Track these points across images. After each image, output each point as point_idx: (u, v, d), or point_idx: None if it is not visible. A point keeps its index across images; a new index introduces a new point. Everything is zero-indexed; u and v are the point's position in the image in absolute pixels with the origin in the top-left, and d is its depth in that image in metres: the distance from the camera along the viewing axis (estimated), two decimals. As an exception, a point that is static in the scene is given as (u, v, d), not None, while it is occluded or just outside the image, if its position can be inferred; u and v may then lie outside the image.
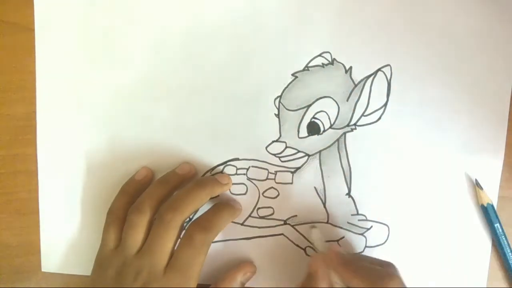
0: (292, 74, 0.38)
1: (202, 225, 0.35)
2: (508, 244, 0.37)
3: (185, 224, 0.37)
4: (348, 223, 0.39)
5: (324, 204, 0.39)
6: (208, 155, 0.39)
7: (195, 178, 0.39)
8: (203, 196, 0.36)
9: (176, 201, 0.35)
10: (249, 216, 0.39)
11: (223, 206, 0.37)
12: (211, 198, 0.38)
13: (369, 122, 0.38)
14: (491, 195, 0.38)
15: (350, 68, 0.38)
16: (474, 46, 0.37)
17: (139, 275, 0.33)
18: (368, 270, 0.33)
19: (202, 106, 0.39)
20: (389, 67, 0.37)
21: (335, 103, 0.38)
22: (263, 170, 0.39)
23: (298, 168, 0.39)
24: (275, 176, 0.39)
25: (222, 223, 0.36)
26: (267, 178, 0.39)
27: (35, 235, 0.40)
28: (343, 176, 0.38)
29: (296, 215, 0.39)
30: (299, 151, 0.38)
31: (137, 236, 0.35)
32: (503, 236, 0.37)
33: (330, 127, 0.38)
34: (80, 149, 0.40)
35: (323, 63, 0.38)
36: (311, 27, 0.38)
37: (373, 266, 0.34)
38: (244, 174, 0.39)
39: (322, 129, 0.38)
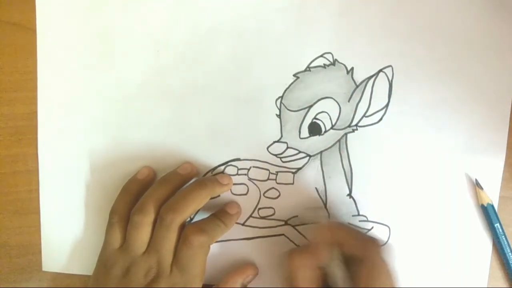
0: (294, 75, 0.38)
1: (199, 228, 0.35)
2: (508, 244, 0.38)
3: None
4: (349, 223, 0.39)
5: (325, 204, 0.39)
6: (209, 155, 0.39)
7: (197, 178, 0.39)
8: (203, 197, 0.36)
9: (177, 202, 0.35)
10: (250, 216, 0.39)
11: (220, 213, 0.38)
12: (212, 198, 0.38)
13: (370, 123, 0.38)
14: (492, 195, 0.38)
15: (352, 68, 0.38)
16: (476, 47, 0.37)
17: (148, 274, 0.34)
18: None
19: (204, 106, 0.39)
20: (390, 68, 0.37)
21: (336, 103, 0.38)
22: (264, 170, 0.39)
23: (299, 169, 0.39)
24: (276, 177, 0.39)
25: (218, 229, 0.36)
26: (268, 179, 0.39)
27: (35, 235, 0.40)
28: (344, 177, 0.38)
29: (297, 216, 0.39)
30: (300, 152, 0.38)
31: (141, 236, 0.35)
32: (503, 236, 0.38)
33: (332, 128, 0.38)
34: (81, 149, 0.40)
35: (324, 64, 0.38)
36: (312, 28, 0.38)
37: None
38: (245, 174, 0.39)
39: (323, 129, 0.38)
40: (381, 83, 0.37)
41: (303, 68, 0.38)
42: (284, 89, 0.38)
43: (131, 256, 0.35)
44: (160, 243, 0.35)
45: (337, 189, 0.38)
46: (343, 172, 0.38)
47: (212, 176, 0.39)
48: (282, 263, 0.36)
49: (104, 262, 0.36)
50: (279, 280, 0.39)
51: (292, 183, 0.39)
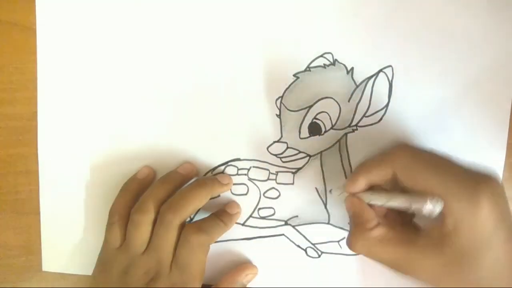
0: (294, 75, 0.38)
1: (199, 227, 0.35)
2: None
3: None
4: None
5: (325, 204, 0.39)
6: (209, 155, 0.39)
7: (197, 177, 0.39)
8: (203, 196, 0.36)
9: (177, 201, 0.35)
10: (250, 216, 0.39)
11: (220, 213, 0.38)
12: (212, 198, 0.38)
13: (370, 123, 0.38)
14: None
15: (352, 69, 0.38)
16: (476, 47, 0.37)
17: (147, 273, 0.34)
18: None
19: (204, 106, 0.39)
20: (390, 68, 0.37)
21: (336, 103, 0.38)
22: (264, 170, 0.39)
23: (299, 169, 0.39)
24: (276, 177, 0.39)
25: (217, 229, 0.36)
26: (268, 179, 0.39)
27: (35, 235, 0.40)
28: (344, 177, 0.38)
29: (297, 216, 0.39)
30: (300, 152, 0.38)
31: (141, 235, 0.35)
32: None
33: (332, 128, 0.38)
34: (81, 149, 0.40)
35: (324, 64, 0.38)
36: (312, 28, 0.38)
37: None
38: (245, 174, 0.39)
39: (323, 129, 0.38)
40: (381, 83, 0.37)
41: (303, 68, 0.38)
42: (284, 89, 0.38)
43: (131, 256, 0.35)
44: (159, 242, 0.35)
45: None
46: (343, 172, 0.38)
47: (212, 176, 0.39)
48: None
49: (103, 262, 0.36)
50: (279, 280, 0.39)
51: (292, 183, 0.39)
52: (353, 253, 0.38)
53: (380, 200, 0.32)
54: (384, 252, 0.31)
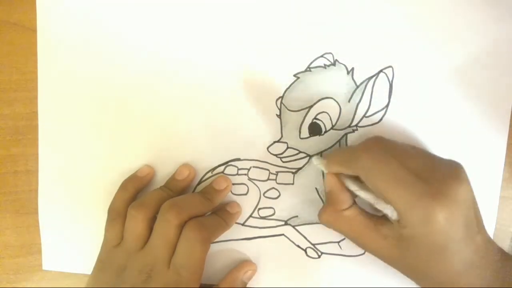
0: (294, 75, 0.38)
1: (200, 224, 0.35)
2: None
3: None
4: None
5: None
6: (210, 155, 0.39)
7: (196, 178, 0.39)
8: (205, 205, 0.36)
9: (180, 200, 0.35)
10: (250, 216, 0.39)
11: (221, 212, 0.38)
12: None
13: (370, 123, 0.38)
14: (492, 195, 0.38)
15: (352, 69, 0.38)
16: (476, 46, 0.37)
17: (143, 271, 0.34)
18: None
19: (204, 106, 0.39)
20: (391, 68, 0.37)
21: (336, 104, 0.38)
22: (264, 170, 0.39)
23: (299, 169, 0.39)
24: (276, 177, 0.39)
25: (219, 227, 0.36)
26: (268, 179, 0.39)
27: (35, 235, 0.40)
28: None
29: (297, 216, 0.39)
30: (300, 152, 0.38)
31: (137, 230, 0.35)
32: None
33: (332, 128, 0.38)
34: (81, 149, 0.40)
35: (325, 64, 0.38)
36: (313, 28, 0.38)
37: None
38: (245, 174, 0.39)
39: (323, 130, 0.38)
40: (381, 83, 0.37)
41: (303, 68, 0.38)
42: (284, 89, 0.38)
43: (128, 253, 0.35)
44: (157, 239, 0.34)
45: (337, 189, 0.38)
46: (343, 172, 0.38)
47: (212, 187, 0.38)
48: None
49: (102, 260, 0.36)
50: (279, 280, 0.39)
51: (292, 183, 0.39)
52: (353, 254, 0.38)
53: (352, 187, 0.34)
54: (349, 229, 0.34)
